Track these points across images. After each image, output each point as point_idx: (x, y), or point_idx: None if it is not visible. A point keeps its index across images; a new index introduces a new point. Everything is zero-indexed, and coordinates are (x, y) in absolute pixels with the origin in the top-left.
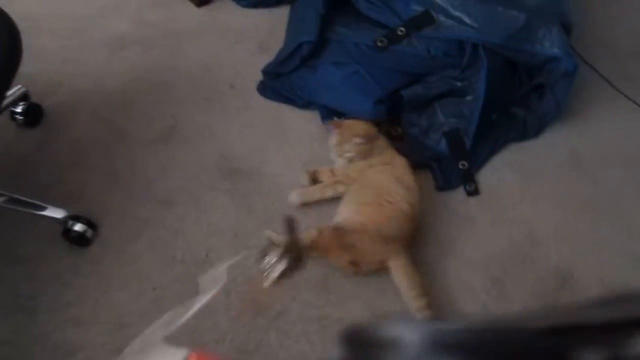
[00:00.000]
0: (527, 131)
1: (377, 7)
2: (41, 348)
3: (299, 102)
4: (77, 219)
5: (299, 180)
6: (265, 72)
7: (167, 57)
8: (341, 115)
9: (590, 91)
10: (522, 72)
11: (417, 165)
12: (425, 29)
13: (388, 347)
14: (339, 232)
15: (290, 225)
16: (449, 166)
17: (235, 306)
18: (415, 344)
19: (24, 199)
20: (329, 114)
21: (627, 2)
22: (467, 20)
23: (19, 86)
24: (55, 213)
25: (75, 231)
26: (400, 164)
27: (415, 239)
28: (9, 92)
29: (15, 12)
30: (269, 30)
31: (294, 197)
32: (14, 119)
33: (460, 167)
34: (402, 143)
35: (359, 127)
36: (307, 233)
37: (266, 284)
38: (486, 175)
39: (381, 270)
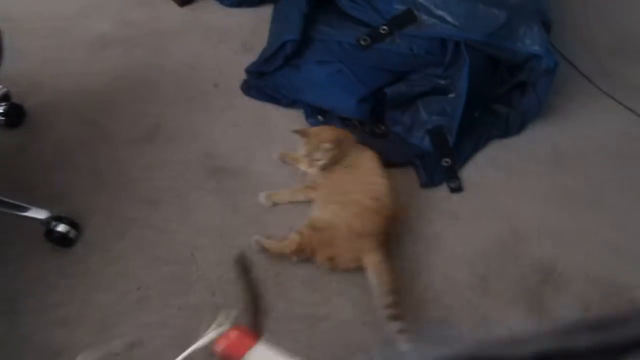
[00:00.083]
0: (509, 128)
1: (360, 5)
2: (27, 349)
3: (283, 101)
4: (60, 219)
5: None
6: (249, 71)
7: (150, 56)
8: (325, 113)
9: (571, 88)
10: (503, 69)
11: (400, 162)
12: (408, 27)
13: None
14: (315, 228)
15: (243, 266)
16: (432, 163)
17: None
18: None
19: (6, 200)
20: (313, 112)
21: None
22: (449, 18)
23: (0, 86)
24: (38, 214)
25: (58, 232)
26: (367, 158)
27: (399, 235)
28: None
29: None
30: (253, 30)
31: (263, 199)
32: None
33: (444, 164)
34: (386, 141)
35: (325, 132)
36: (290, 240)
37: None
38: (469, 172)
39: (358, 267)
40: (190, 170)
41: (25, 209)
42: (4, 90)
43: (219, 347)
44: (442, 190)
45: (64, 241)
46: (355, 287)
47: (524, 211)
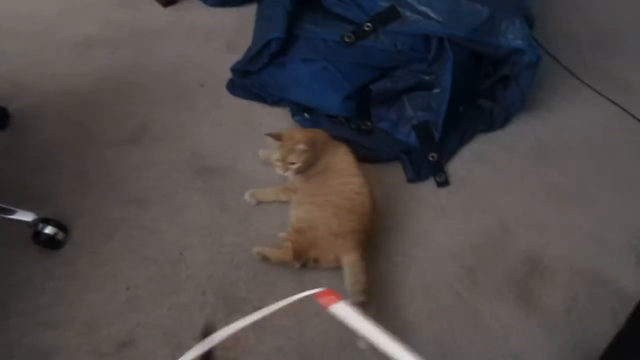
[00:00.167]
0: (493, 122)
1: (343, 3)
2: (16, 352)
3: (269, 99)
4: (47, 221)
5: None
6: (234, 70)
7: (135, 57)
8: (312, 111)
9: (553, 81)
10: (487, 64)
11: (387, 158)
12: (392, 24)
13: None
14: (299, 231)
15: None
16: (418, 158)
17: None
18: None
19: None
20: (299, 110)
21: None
22: (432, 14)
23: None
24: (25, 216)
25: (46, 234)
26: (341, 156)
27: (388, 230)
28: None
29: None
30: (237, 29)
31: (248, 197)
32: None
33: (430, 158)
34: (372, 137)
35: (298, 134)
36: (285, 249)
37: None
38: (455, 166)
39: (338, 266)
40: (177, 170)
41: (12, 212)
42: None
43: (316, 295)
44: (429, 185)
45: (51, 243)
46: (344, 283)
47: (509, 204)
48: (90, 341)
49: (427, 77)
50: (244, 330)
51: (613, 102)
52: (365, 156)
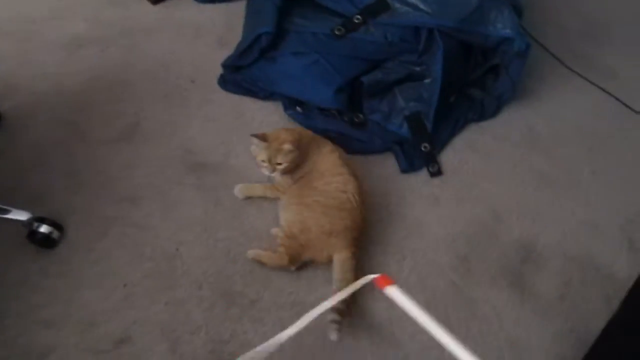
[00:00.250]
0: (485, 111)
1: None
2: (12, 352)
3: (260, 93)
4: (42, 220)
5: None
6: (225, 65)
7: (125, 55)
8: (304, 104)
9: (543, 70)
10: (477, 54)
11: (380, 149)
12: (382, 16)
13: None
14: (291, 235)
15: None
16: (411, 149)
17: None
18: None
19: None
20: (291, 104)
21: None
22: (421, 5)
23: None
24: (19, 215)
25: (41, 233)
26: (326, 154)
27: (382, 221)
28: None
29: None
30: (227, 25)
31: (237, 191)
32: None
33: (423, 149)
34: (365, 129)
35: (284, 134)
36: (280, 255)
37: None
38: (448, 156)
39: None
40: (170, 167)
41: (6, 211)
42: None
43: (375, 278)
44: (422, 175)
45: (47, 242)
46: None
47: (502, 193)
48: (86, 339)
49: (417, 68)
50: (240, 324)
51: (603, 90)
52: (358, 148)
